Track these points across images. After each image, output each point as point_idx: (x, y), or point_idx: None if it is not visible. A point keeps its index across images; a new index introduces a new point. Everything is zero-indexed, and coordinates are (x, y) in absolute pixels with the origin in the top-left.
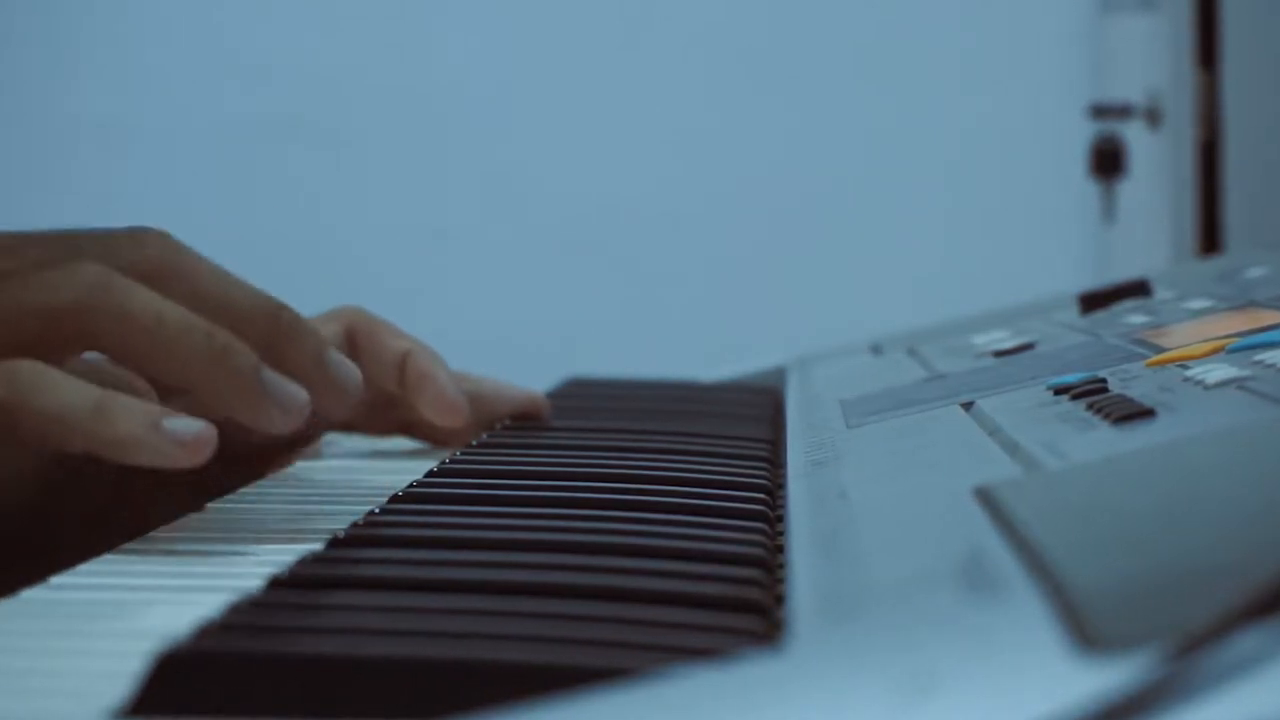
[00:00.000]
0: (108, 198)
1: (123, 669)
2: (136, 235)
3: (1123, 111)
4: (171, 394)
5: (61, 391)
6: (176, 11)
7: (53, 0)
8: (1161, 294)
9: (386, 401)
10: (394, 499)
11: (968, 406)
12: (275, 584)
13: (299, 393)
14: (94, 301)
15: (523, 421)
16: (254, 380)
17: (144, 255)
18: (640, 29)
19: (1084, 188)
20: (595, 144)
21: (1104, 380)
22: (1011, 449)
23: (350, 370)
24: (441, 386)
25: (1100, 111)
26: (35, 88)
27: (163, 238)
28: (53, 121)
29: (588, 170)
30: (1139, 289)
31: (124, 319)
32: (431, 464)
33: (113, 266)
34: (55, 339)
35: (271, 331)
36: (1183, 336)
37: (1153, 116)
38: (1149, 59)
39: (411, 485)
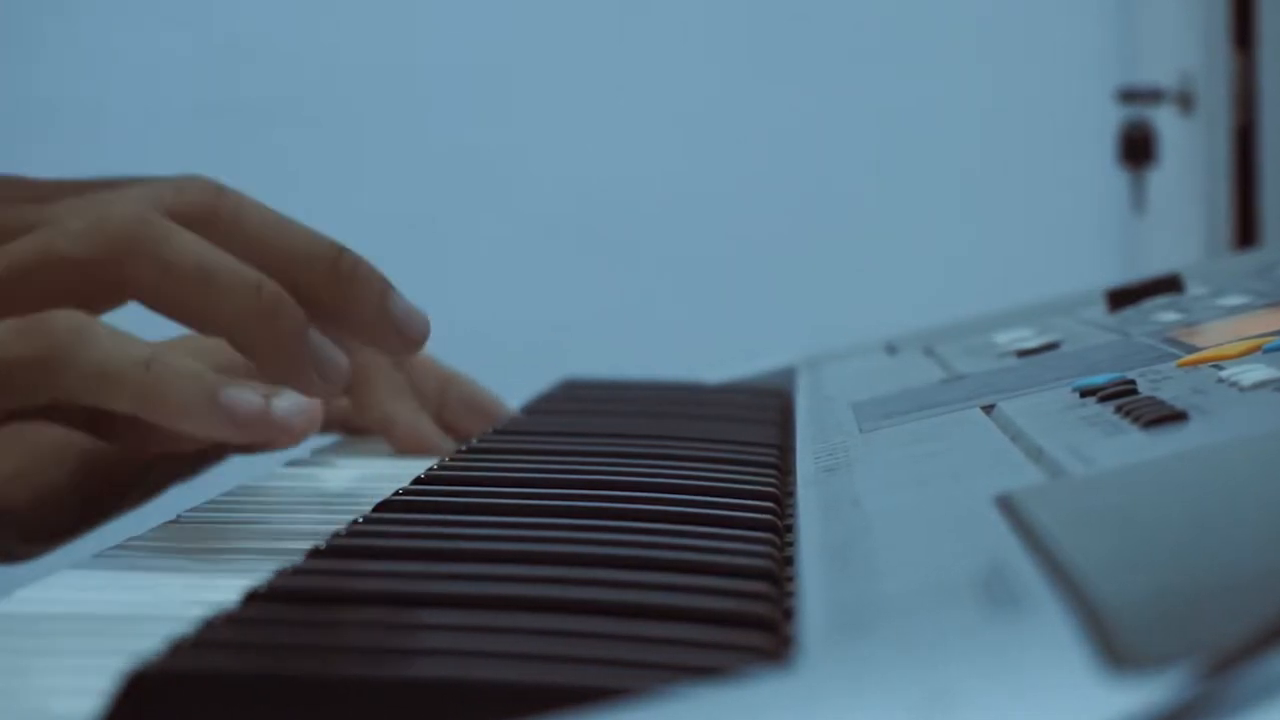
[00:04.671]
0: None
1: (91, 687)
2: (179, 181)
3: (1153, 96)
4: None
5: (109, 345)
6: None
7: None
8: (1194, 290)
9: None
10: (379, 507)
11: (989, 409)
12: (252, 598)
13: (342, 360)
14: (132, 248)
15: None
16: (300, 343)
17: (187, 199)
18: (640, 8)
19: (1112, 177)
20: (591, 127)
21: (1133, 381)
22: (1035, 454)
23: (416, 316)
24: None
25: (1129, 96)
26: (7, 69)
27: (208, 182)
28: (26, 104)
29: (583, 156)
30: (1170, 285)
31: (164, 267)
32: (419, 470)
33: (154, 211)
34: (92, 290)
35: (331, 278)
36: (1217, 335)
37: (1185, 101)
38: (1181, 39)
39: (397, 493)
